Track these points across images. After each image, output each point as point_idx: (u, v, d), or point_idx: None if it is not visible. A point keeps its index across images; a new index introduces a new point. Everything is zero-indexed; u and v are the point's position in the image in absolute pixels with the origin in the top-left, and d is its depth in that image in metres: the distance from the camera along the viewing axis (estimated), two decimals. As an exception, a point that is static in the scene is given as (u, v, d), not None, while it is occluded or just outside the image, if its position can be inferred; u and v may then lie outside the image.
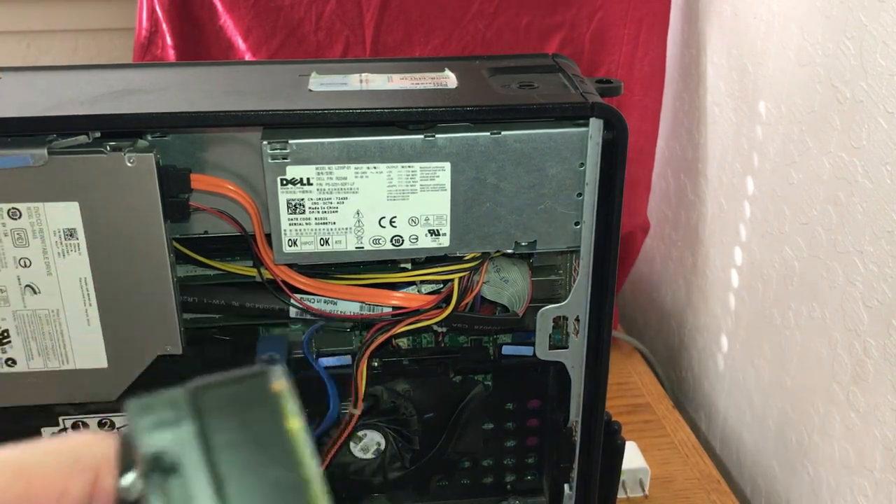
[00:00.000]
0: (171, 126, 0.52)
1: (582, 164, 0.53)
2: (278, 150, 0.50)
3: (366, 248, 0.53)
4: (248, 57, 0.85)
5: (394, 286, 0.58)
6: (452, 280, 0.57)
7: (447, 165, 0.52)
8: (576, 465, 0.62)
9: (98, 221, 0.51)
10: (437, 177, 0.52)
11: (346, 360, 0.61)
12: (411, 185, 0.52)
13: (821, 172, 0.68)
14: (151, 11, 0.84)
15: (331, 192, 0.51)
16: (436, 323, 0.58)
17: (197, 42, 0.86)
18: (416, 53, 0.88)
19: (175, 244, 0.55)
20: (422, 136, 0.51)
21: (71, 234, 0.51)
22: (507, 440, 0.69)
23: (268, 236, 0.54)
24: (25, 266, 0.51)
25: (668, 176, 0.99)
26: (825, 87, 0.66)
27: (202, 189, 0.53)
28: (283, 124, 0.51)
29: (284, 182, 0.51)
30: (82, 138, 0.50)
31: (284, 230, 0.52)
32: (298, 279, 0.56)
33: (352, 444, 0.65)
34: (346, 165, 0.51)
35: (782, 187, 0.74)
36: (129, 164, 0.50)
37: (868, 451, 0.64)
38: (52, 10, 1.04)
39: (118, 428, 0.58)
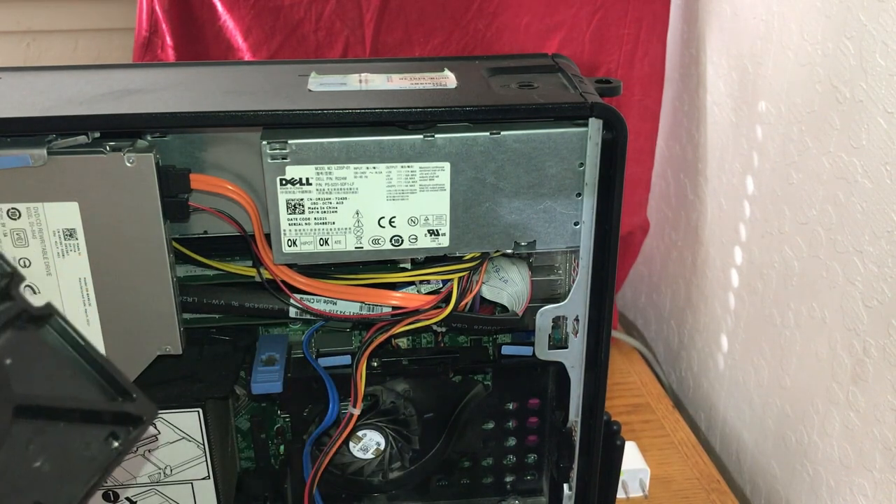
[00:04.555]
0: (171, 126, 0.52)
1: (581, 164, 0.53)
2: (278, 150, 0.50)
3: (365, 248, 0.53)
4: (248, 57, 0.85)
5: (393, 286, 0.58)
6: (452, 280, 0.57)
7: (446, 165, 0.52)
8: (575, 465, 0.62)
9: (98, 221, 0.51)
10: (437, 177, 0.52)
11: (346, 360, 0.61)
12: (411, 185, 0.52)
13: (820, 172, 0.68)
14: (151, 11, 0.84)
15: (330, 192, 0.51)
16: (435, 323, 0.58)
17: (197, 42, 0.86)
18: (416, 53, 0.88)
19: (175, 244, 0.55)
20: (421, 136, 0.51)
21: (70, 234, 0.51)
22: (506, 440, 0.69)
23: (267, 236, 0.54)
24: (25, 266, 0.51)
25: (668, 176, 0.99)
26: (825, 87, 0.66)
27: (202, 189, 0.53)
28: (282, 124, 0.51)
29: (284, 182, 0.51)
30: (82, 138, 0.50)
31: (284, 230, 0.52)
32: (298, 279, 0.56)
33: (352, 444, 0.65)
34: (346, 165, 0.51)
35: (782, 187, 0.74)
36: (128, 164, 0.50)
37: (868, 451, 0.64)
38: (52, 10, 1.04)
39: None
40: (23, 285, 0.26)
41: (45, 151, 0.49)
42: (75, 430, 0.25)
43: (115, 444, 0.25)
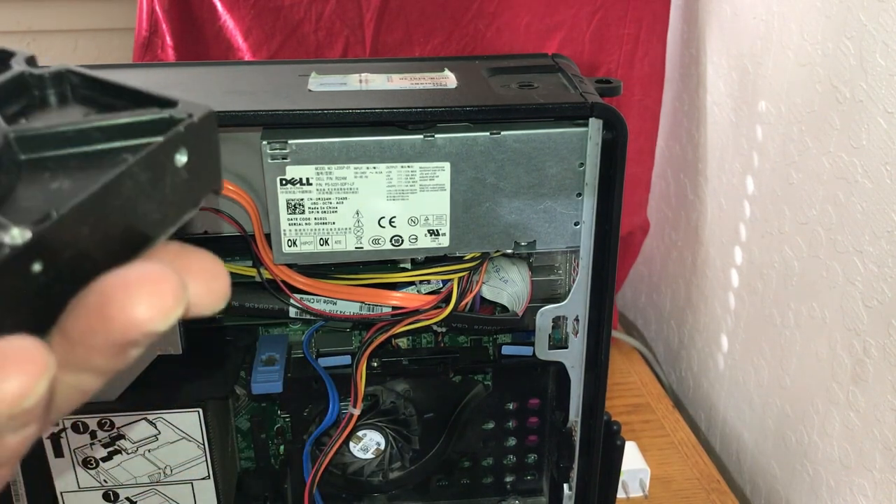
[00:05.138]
0: (171, 126, 0.52)
1: (581, 164, 0.53)
2: (278, 150, 0.50)
3: (365, 248, 0.53)
4: (248, 57, 0.85)
5: (393, 286, 0.58)
6: (452, 280, 0.57)
7: (447, 165, 0.52)
8: (575, 465, 0.62)
9: (98, 221, 0.51)
10: (437, 177, 0.52)
11: (346, 360, 0.61)
12: (411, 185, 0.52)
13: (820, 172, 0.68)
14: (151, 11, 0.84)
15: (330, 192, 0.51)
16: (435, 323, 0.58)
17: (197, 42, 0.86)
18: (416, 53, 0.88)
19: (175, 244, 0.55)
20: (421, 136, 0.51)
21: (71, 234, 0.51)
22: (506, 440, 0.69)
23: (267, 236, 0.54)
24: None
25: (668, 176, 0.99)
26: (825, 87, 0.66)
27: (202, 189, 0.53)
28: (282, 124, 0.51)
29: (284, 182, 0.51)
30: (82, 138, 0.50)
31: (284, 230, 0.52)
32: (298, 279, 0.56)
33: (352, 444, 0.65)
34: (346, 165, 0.51)
35: (782, 187, 0.74)
36: (128, 164, 0.50)
37: (868, 451, 0.64)
38: (52, 10, 1.04)
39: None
40: (20, 56, 0.23)
41: (45, 151, 0.49)
42: (106, 151, 0.21)
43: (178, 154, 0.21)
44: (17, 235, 0.18)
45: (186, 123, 0.21)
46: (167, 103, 0.22)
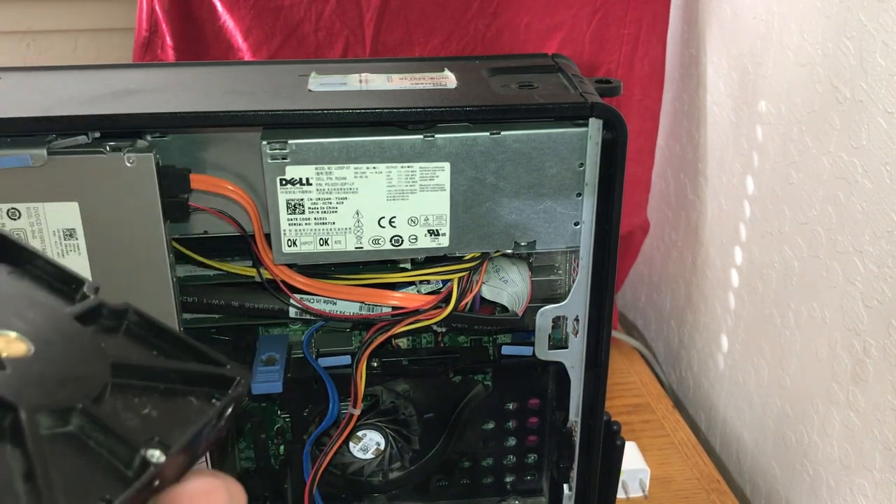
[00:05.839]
0: (171, 126, 0.52)
1: (581, 164, 0.53)
2: (278, 150, 0.50)
3: (365, 248, 0.53)
4: (248, 57, 0.85)
5: (393, 286, 0.58)
6: (452, 280, 0.57)
7: (446, 165, 0.52)
8: (575, 466, 0.62)
9: (98, 221, 0.51)
10: (437, 177, 0.52)
11: (346, 360, 0.61)
12: (411, 186, 0.52)
13: (820, 172, 0.68)
14: (151, 11, 0.84)
15: (330, 193, 0.51)
16: (435, 323, 0.58)
17: (197, 42, 0.86)
18: (416, 53, 0.88)
19: (175, 244, 0.55)
20: (421, 136, 0.51)
21: (70, 234, 0.51)
22: (506, 440, 0.69)
23: (267, 236, 0.54)
24: (25, 266, 0.51)
25: (668, 176, 0.99)
26: (825, 87, 0.66)
27: (202, 189, 0.53)
28: (282, 124, 0.51)
29: (284, 182, 0.51)
30: (82, 138, 0.50)
31: (284, 230, 0.52)
32: (298, 279, 0.56)
33: (352, 444, 0.65)
34: (346, 165, 0.51)
35: (782, 187, 0.74)
36: (128, 165, 0.50)
37: (868, 451, 0.64)
38: (52, 10, 1.04)
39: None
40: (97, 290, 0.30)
41: (45, 151, 0.49)
42: (176, 390, 0.27)
43: (215, 401, 0.27)
44: (160, 456, 0.24)
45: (242, 386, 0.28)
46: (217, 361, 0.28)
